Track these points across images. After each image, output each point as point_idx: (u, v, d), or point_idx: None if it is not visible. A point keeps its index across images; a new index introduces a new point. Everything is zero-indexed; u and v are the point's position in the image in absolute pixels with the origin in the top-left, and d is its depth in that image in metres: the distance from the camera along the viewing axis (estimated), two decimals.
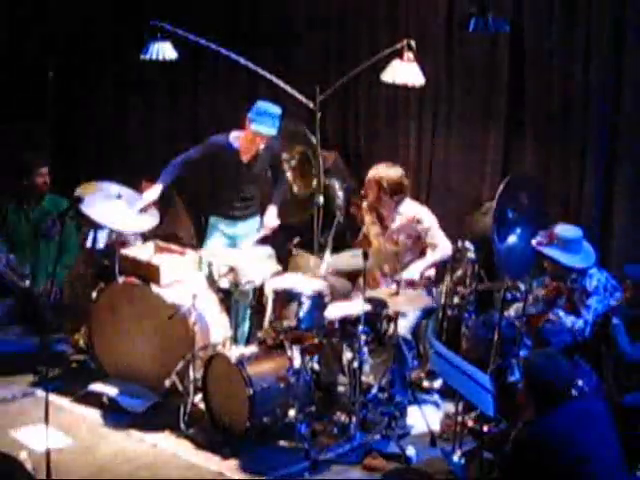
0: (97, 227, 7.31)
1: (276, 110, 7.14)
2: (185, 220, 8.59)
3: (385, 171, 7.06)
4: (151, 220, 7.19)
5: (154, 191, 7.11)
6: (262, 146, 7.25)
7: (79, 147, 10.10)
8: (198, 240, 8.11)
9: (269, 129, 7.12)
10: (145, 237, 7.60)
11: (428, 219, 7.05)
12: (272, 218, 7.42)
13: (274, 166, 7.60)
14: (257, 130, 7.11)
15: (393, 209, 7.08)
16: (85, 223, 7.53)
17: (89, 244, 7.38)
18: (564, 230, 6.53)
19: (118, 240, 7.33)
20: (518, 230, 7.10)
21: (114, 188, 7.14)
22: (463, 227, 7.69)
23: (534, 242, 6.57)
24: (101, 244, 7.40)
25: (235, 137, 7.29)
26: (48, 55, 9.71)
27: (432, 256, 7.04)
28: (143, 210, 7.09)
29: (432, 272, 7.15)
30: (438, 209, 7.81)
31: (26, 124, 9.54)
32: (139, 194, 7.19)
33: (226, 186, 7.38)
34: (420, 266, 7.00)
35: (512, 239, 7.09)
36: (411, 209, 7.10)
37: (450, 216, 7.98)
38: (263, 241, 7.38)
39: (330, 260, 7.05)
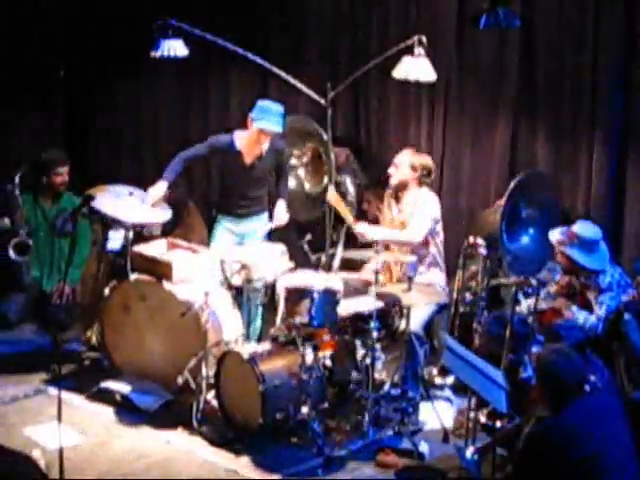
0: (111, 227, 7.28)
1: (279, 108, 7.10)
2: (199, 231, 8.52)
3: (418, 154, 7.11)
4: (164, 213, 7.21)
5: (159, 187, 7.09)
6: (266, 146, 7.21)
7: (82, 148, 10.08)
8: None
9: (274, 126, 7.06)
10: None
11: (424, 204, 6.95)
12: (282, 212, 7.43)
13: (279, 164, 7.54)
14: (262, 127, 7.06)
15: (412, 190, 7.04)
16: (98, 221, 7.52)
17: (109, 247, 7.36)
18: (583, 230, 6.52)
19: (145, 234, 7.36)
20: (531, 230, 7.06)
21: (125, 188, 7.16)
22: (474, 224, 7.67)
23: (554, 241, 6.57)
24: (117, 245, 7.36)
25: (238, 137, 7.24)
26: (48, 55, 9.71)
27: (398, 234, 6.96)
28: (152, 206, 7.11)
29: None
30: (449, 206, 7.83)
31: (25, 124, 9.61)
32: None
33: (231, 187, 7.38)
34: (382, 232, 6.92)
35: (525, 239, 7.05)
36: (422, 194, 7.02)
37: (461, 213, 7.99)
38: (276, 238, 7.39)
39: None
